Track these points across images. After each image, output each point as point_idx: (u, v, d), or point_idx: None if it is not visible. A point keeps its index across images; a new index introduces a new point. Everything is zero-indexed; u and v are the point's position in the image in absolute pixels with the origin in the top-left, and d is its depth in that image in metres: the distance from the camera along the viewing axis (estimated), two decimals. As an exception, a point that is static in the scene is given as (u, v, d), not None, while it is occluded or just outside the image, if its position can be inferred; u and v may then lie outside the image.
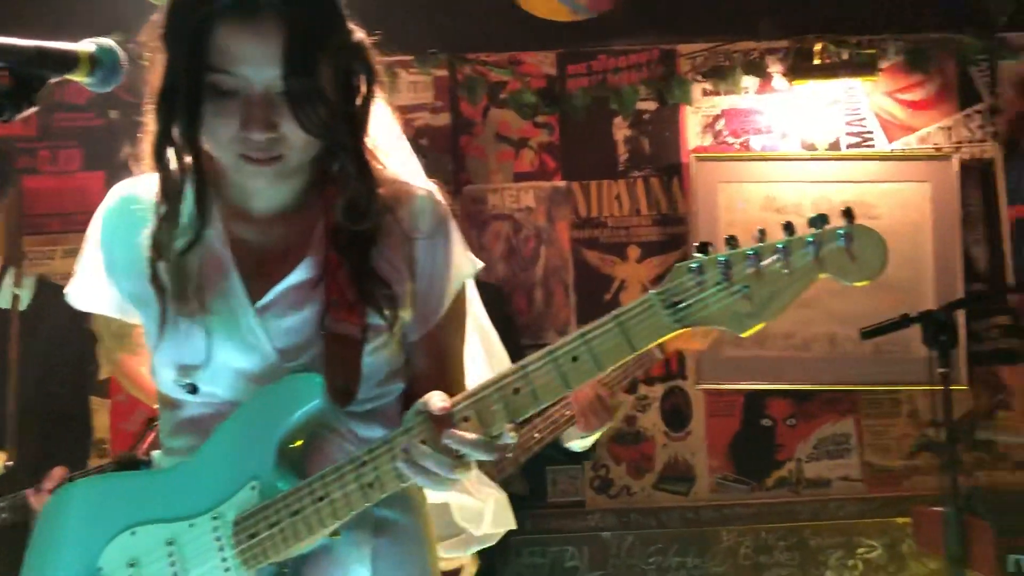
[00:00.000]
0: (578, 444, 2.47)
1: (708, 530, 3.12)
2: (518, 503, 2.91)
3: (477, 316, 1.58)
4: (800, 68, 3.14)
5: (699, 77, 3.21)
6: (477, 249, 3.14)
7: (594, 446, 2.64)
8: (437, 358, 1.30)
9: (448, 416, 1.10)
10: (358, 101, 1.21)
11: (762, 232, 1.02)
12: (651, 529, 3.11)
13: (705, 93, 3.23)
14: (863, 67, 3.12)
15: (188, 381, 1.21)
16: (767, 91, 3.22)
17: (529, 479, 3.06)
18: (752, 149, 3.23)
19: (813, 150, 3.23)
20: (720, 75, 3.18)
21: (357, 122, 1.21)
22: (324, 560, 1.18)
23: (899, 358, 3.10)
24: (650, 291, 1.06)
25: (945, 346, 1.99)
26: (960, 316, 3.09)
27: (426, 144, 3.20)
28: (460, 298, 1.32)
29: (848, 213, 1.01)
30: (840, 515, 3.10)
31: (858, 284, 1.02)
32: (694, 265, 1.03)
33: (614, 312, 1.07)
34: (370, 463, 1.13)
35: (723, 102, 3.24)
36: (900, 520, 3.03)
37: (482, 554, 2.36)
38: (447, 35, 3.10)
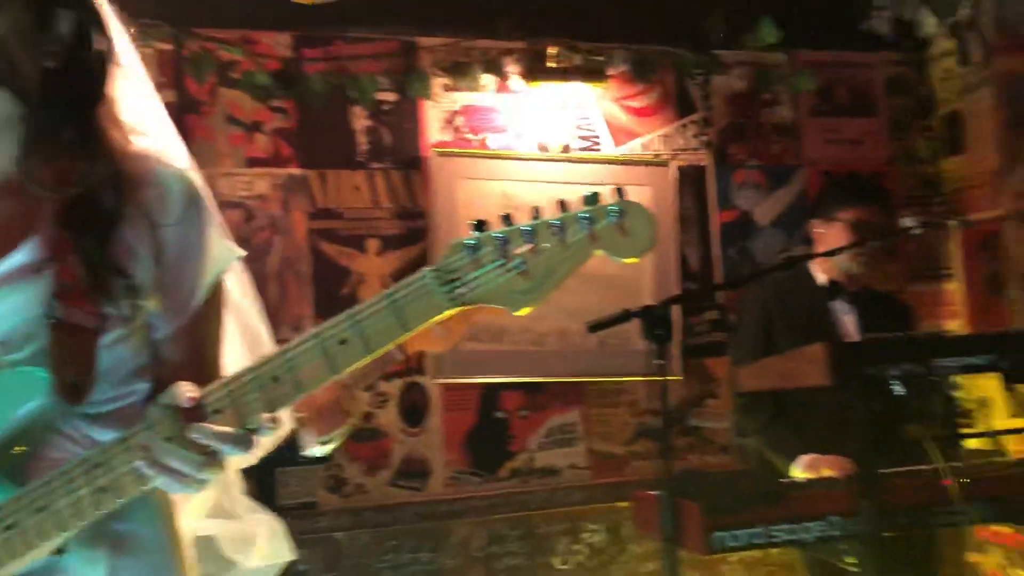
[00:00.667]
0: (320, 449, 2.36)
1: (442, 524, 3.13)
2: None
3: (234, 294, 1.43)
4: (535, 70, 3.23)
5: (439, 72, 3.21)
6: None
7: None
8: (190, 355, 1.18)
9: (198, 408, 0.99)
10: (84, 60, 1.09)
11: (536, 210, 1.00)
12: (385, 527, 3.07)
13: (446, 88, 3.24)
14: (593, 73, 3.27)
15: None
16: (505, 90, 3.29)
17: (257, 481, 2.91)
18: (489, 147, 3.28)
19: (547, 151, 3.33)
20: (460, 71, 3.20)
21: (82, 83, 1.09)
22: None
23: (621, 351, 3.28)
24: (424, 269, 1.01)
25: (661, 339, 2.10)
26: (675, 312, 3.32)
27: (147, 123, 2.96)
28: (217, 289, 1.20)
29: (619, 192, 1.02)
30: (567, 502, 3.23)
31: (628, 260, 1.03)
32: (470, 242, 0.99)
33: (385, 291, 1.01)
34: (103, 465, 0.99)
35: (463, 98, 3.26)
36: (621, 505, 3.21)
37: None
38: (173, 7, 2.87)
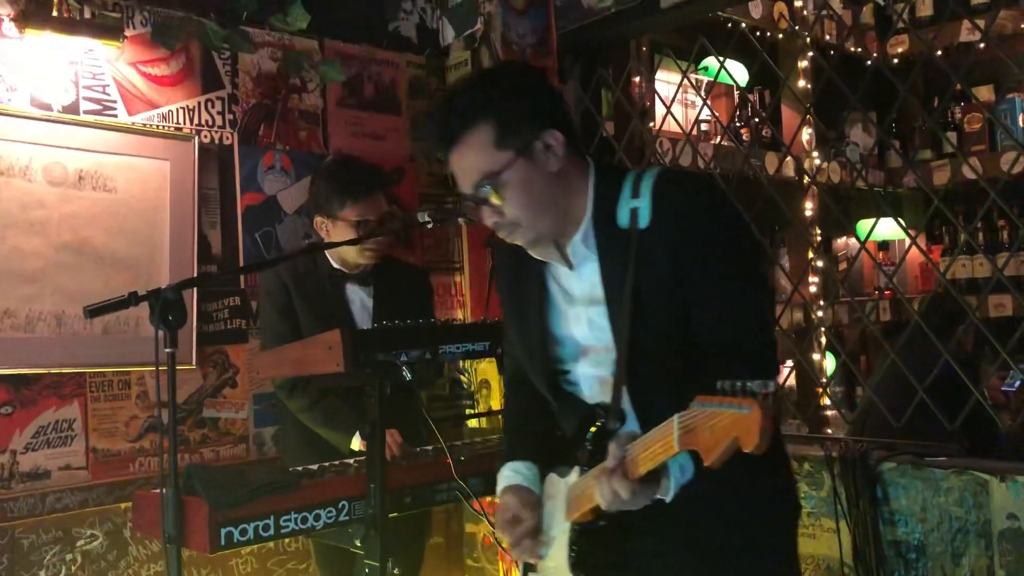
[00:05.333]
0: None
1: None
2: None
3: None
4: (36, 16, 2.82)
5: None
6: None
7: None
8: None
9: None
10: None
11: None
12: None
13: (-87, 21, 2.68)
14: (108, 30, 2.95)
15: None
16: (-5, 34, 2.82)
17: None
18: (-28, 98, 2.79)
19: (47, 110, 2.93)
20: (-67, 3, 2.67)
21: None
22: None
23: (130, 338, 3.01)
24: None
25: (174, 325, 1.95)
26: (192, 296, 3.14)
27: None
28: None
29: None
30: (58, 508, 2.87)
31: None
32: None
33: None
34: None
35: (-63, 36, 2.73)
36: (123, 505, 2.95)
37: None
38: None
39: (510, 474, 1.81)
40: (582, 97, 3.76)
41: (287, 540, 3.27)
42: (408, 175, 3.80)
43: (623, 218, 1.62)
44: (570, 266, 1.71)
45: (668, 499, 1.48)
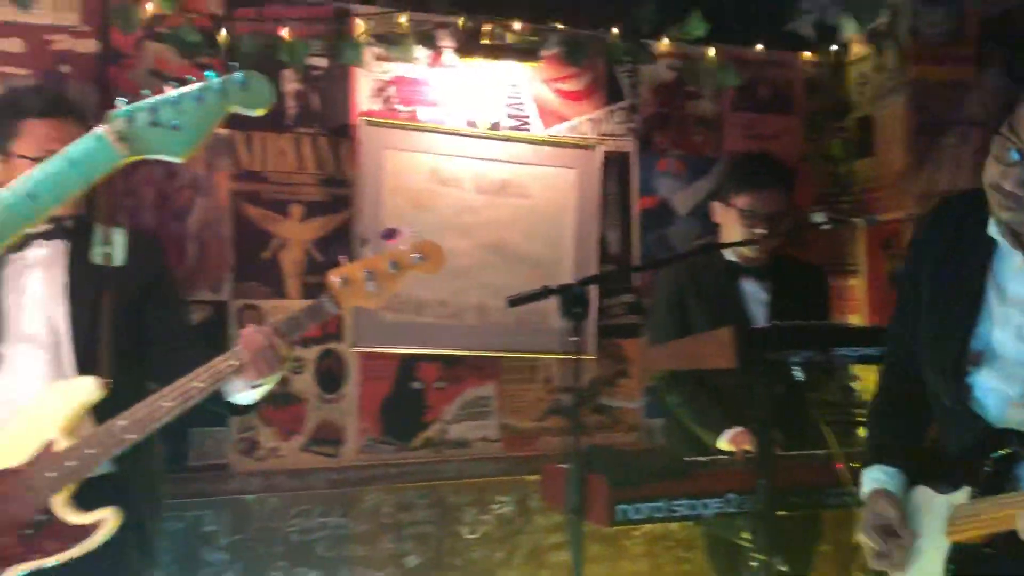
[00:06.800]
0: (245, 396, 2.32)
1: (353, 490, 3.16)
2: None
3: None
4: (469, 46, 3.26)
5: (372, 41, 3.20)
6: (124, 192, 2.91)
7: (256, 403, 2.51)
8: None
9: None
10: None
11: (180, 82, 1.34)
12: (296, 491, 3.09)
13: (378, 58, 3.23)
14: (526, 53, 3.31)
15: None
16: (438, 64, 3.30)
17: (169, 442, 2.88)
18: (420, 120, 3.29)
19: (476, 128, 3.36)
20: (393, 42, 3.20)
21: None
22: None
23: (538, 328, 3.34)
24: (97, 128, 1.30)
25: (578, 317, 2.16)
26: (593, 292, 3.40)
27: (68, 71, 2.88)
28: None
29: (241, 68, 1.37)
30: (477, 474, 3.29)
31: (258, 112, 1.39)
32: (124, 113, 1.30)
33: (62, 152, 1.28)
34: None
35: (395, 69, 3.26)
36: (530, 478, 3.28)
37: (131, 508, 2.17)
38: (100, -46, 2.80)
39: (882, 477, 1.75)
40: (1009, 87, 3.44)
41: (675, 527, 3.41)
42: (801, 175, 3.76)
43: None
44: None
45: None
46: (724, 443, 2.72)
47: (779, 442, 2.56)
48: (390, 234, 2.21)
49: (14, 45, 2.84)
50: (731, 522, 2.33)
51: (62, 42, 2.88)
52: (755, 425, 2.27)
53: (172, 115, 1.30)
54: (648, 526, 3.26)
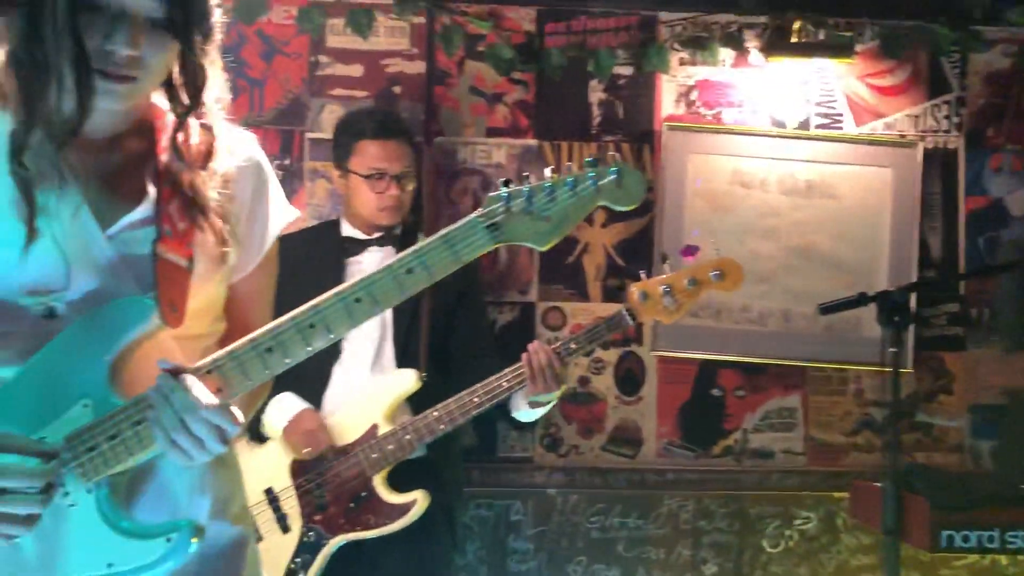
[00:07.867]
0: (526, 414, 2.49)
1: (652, 493, 3.18)
2: (466, 455, 2.95)
3: None
4: (777, 45, 3.16)
5: (677, 46, 3.21)
6: (445, 202, 3.16)
7: (536, 421, 2.65)
8: (245, 306, 1.41)
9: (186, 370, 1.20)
10: (207, 49, 1.29)
11: (553, 170, 1.30)
12: (596, 489, 3.17)
13: (682, 63, 3.24)
14: (839, 49, 3.15)
15: (45, 302, 1.24)
16: (743, 65, 3.24)
17: (479, 433, 3.11)
18: (723, 122, 3.25)
19: (782, 127, 3.26)
20: (698, 46, 3.19)
21: (203, 69, 1.29)
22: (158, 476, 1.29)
23: (849, 338, 3.17)
24: (471, 215, 1.29)
25: (899, 327, 2.04)
26: (911, 300, 3.17)
27: (399, 92, 3.17)
28: (274, 247, 1.43)
29: (616, 157, 1.31)
30: (780, 486, 3.19)
31: (626, 208, 1.30)
32: (503, 195, 1.28)
33: (441, 232, 1.29)
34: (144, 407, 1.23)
35: (699, 73, 3.25)
36: (837, 494, 3.12)
37: (440, 494, 2.41)
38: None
39: None
40: None
41: (1004, 561, 3.09)
42: None
43: None
44: None
45: None
46: None
47: None
48: (690, 250, 2.24)
49: (356, 70, 3.18)
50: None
51: (395, 65, 3.18)
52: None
53: (545, 204, 1.27)
54: (973, 556, 2.98)
